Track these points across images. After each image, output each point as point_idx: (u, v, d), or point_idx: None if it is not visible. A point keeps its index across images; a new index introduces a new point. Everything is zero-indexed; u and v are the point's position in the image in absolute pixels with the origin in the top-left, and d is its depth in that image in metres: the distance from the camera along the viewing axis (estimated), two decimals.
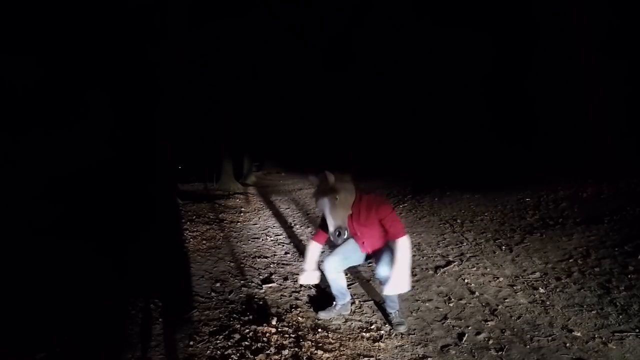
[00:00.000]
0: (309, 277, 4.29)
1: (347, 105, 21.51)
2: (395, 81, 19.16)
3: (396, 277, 3.76)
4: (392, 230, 3.88)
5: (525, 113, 14.23)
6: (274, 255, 6.79)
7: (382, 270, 3.96)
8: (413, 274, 5.62)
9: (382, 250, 4.06)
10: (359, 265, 4.84)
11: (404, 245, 3.80)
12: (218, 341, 3.84)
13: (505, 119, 15.04)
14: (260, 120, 21.96)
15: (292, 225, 8.91)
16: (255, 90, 18.32)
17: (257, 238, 7.79)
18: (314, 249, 4.31)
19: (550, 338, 3.76)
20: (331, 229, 3.79)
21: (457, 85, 16.68)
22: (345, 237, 3.84)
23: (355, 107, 21.18)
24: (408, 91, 18.78)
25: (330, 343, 3.90)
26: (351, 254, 4.27)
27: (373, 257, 4.20)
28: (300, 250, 7.01)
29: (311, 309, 4.69)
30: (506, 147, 13.92)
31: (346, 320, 4.39)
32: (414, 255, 6.34)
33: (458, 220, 7.93)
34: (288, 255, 6.82)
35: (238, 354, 3.60)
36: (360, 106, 21.04)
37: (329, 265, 4.25)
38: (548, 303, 4.37)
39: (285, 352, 3.66)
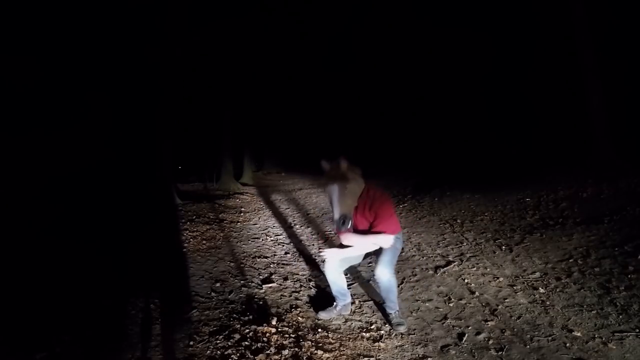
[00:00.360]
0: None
1: (347, 105, 21.52)
2: (396, 81, 19.18)
3: (349, 235, 3.96)
4: (379, 222, 3.93)
5: (525, 113, 14.24)
6: (274, 255, 6.79)
7: (381, 272, 3.97)
8: (413, 274, 5.63)
9: (382, 250, 4.04)
10: (359, 264, 4.82)
11: (380, 238, 3.92)
12: (218, 341, 3.84)
13: (505, 119, 15.06)
14: (261, 120, 21.94)
15: (292, 225, 8.90)
16: (256, 90, 18.31)
17: (257, 238, 7.78)
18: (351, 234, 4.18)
19: (550, 338, 3.76)
20: (336, 216, 3.77)
21: (457, 86, 16.69)
22: (349, 226, 3.85)
23: (356, 107, 21.19)
24: (408, 91, 18.80)
25: (330, 343, 3.90)
26: (351, 252, 4.25)
27: (373, 255, 4.20)
28: (300, 250, 7.01)
29: (311, 309, 4.69)
30: (506, 147, 13.94)
31: (346, 320, 4.39)
32: (413, 256, 6.36)
33: (458, 220, 7.94)
34: (288, 255, 6.81)
35: (238, 354, 3.60)
36: (361, 106, 21.05)
37: (329, 266, 4.23)
38: (548, 303, 4.37)
39: (285, 352, 3.66)
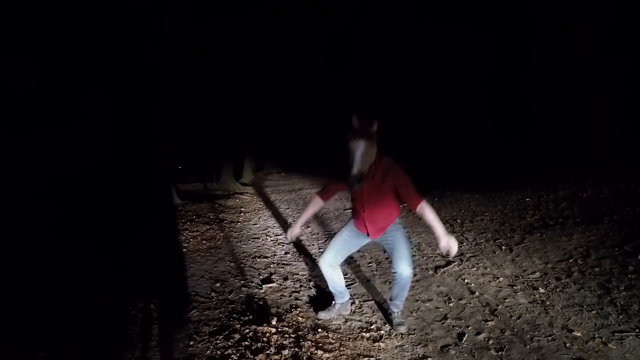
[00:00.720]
0: (291, 231, 4.34)
1: (346, 105, 21.53)
2: (395, 81, 19.19)
3: (446, 235, 3.65)
4: (411, 197, 3.80)
5: (525, 113, 14.24)
6: (274, 255, 6.80)
7: (404, 268, 3.89)
8: (413, 274, 5.62)
9: (396, 241, 3.97)
10: (360, 249, 4.63)
11: (429, 207, 3.73)
12: (218, 341, 3.84)
13: (505, 119, 15.05)
14: (261, 120, 21.92)
15: (292, 225, 8.89)
16: (256, 90, 18.30)
17: (257, 238, 7.79)
18: (314, 205, 4.21)
19: (550, 338, 3.77)
20: (355, 171, 3.64)
21: (456, 85, 16.68)
22: (359, 186, 3.74)
23: (355, 106, 21.21)
24: (408, 91, 18.80)
25: (330, 343, 3.90)
26: (346, 242, 4.18)
27: (383, 246, 4.17)
28: (300, 251, 7.01)
29: (311, 309, 4.69)
30: (506, 147, 13.94)
31: (346, 320, 4.39)
32: (413, 256, 6.34)
33: (458, 220, 7.94)
34: (288, 255, 6.82)
35: (238, 354, 3.60)
36: (360, 106, 21.06)
37: (323, 260, 4.17)
38: (548, 303, 4.37)
39: (285, 352, 3.66)
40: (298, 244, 7.40)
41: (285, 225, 8.86)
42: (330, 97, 22.55)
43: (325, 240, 7.49)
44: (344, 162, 3.78)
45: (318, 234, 8.06)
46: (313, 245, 7.38)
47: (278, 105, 22.89)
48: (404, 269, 3.89)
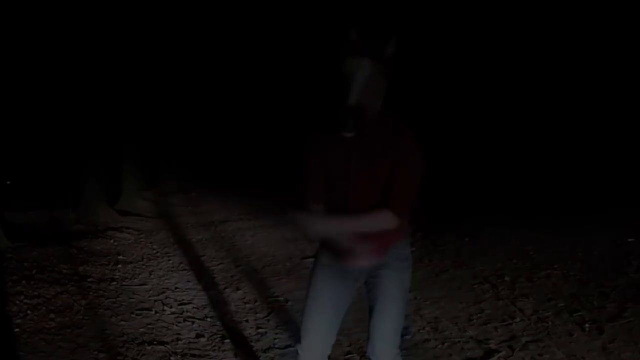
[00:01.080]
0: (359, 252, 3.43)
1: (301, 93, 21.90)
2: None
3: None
4: (395, 197, 3.40)
5: (621, 96, 14.37)
6: (177, 339, 6.65)
7: (381, 351, 3.57)
8: None
9: (383, 292, 3.58)
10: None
11: (385, 219, 3.37)
12: None
13: (586, 105, 15.19)
14: (154, 108, 21.72)
15: (210, 285, 8.80)
16: (146, 61, 18.23)
17: (147, 309, 7.65)
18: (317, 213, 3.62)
19: None
20: (352, 101, 3.27)
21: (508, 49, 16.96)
22: (353, 131, 3.33)
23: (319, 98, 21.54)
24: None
25: None
26: (337, 298, 3.71)
27: (367, 298, 3.77)
28: (225, 330, 6.87)
29: None
30: (589, 152, 14.03)
31: None
32: (426, 340, 6.27)
33: (506, 278, 7.94)
34: (202, 339, 6.68)
35: None
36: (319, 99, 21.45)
37: (310, 347, 3.68)
38: None
39: None
40: (220, 319, 7.28)
41: (197, 287, 8.73)
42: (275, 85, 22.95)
43: (269, 313, 7.40)
44: (331, 102, 3.44)
45: (256, 302, 7.95)
46: (246, 321, 7.27)
47: (187, 86, 22.90)
48: (381, 351, 3.60)
